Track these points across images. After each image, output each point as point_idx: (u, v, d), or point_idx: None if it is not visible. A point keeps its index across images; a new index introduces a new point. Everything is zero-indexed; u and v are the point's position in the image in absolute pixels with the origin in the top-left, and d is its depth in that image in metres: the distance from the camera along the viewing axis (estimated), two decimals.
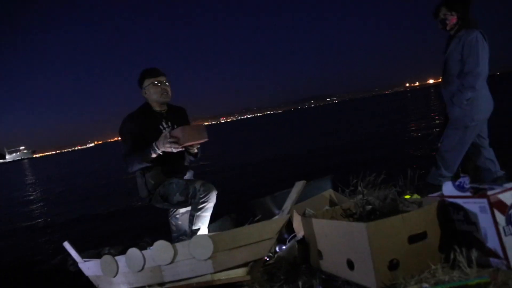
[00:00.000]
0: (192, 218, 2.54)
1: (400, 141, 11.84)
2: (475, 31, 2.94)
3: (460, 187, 1.77)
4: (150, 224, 6.33)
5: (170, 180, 2.67)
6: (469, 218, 1.73)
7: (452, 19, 3.02)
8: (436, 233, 1.79)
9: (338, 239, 1.88)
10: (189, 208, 2.62)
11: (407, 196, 2.36)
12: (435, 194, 1.96)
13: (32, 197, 15.77)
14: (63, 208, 10.89)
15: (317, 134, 21.38)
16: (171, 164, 2.71)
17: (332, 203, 2.67)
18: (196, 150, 2.76)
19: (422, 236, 1.76)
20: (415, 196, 2.46)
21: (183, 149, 2.59)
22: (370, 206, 2.02)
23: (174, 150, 2.51)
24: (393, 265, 1.71)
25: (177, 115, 2.87)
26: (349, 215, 2.11)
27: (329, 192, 2.78)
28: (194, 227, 2.52)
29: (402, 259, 1.71)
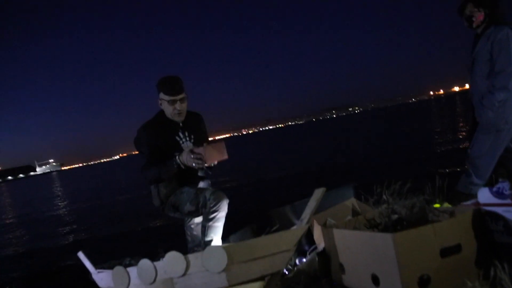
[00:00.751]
0: (204, 229, 2.44)
1: (426, 150, 11.52)
2: (505, 27, 2.74)
3: (499, 194, 1.59)
4: (169, 233, 6.28)
5: (181, 189, 2.58)
6: (510, 229, 1.54)
7: (479, 16, 2.83)
8: (471, 245, 1.61)
9: (362, 252, 1.73)
10: None
11: (437, 205, 2.18)
12: (469, 202, 1.79)
13: (60, 211, 16.11)
14: (89, 221, 11.03)
15: (339, 144, 21.09)
16: (184, 173, 2.60)
17: (355, 213, 2.52)
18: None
19: (456, 249, 1.59)
20: (446, 204, 2.27)
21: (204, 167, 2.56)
22: (396, 216, 1.85)
23: (196, 167, 2.46)
24: (423, 281, 1.54)
25: (193, 123, 2.76)
26: (373, 226, 1.96)
27: (352, 201, 2.63)
28: (207, 239, 2.42)
29: (433, 275, 1.54)
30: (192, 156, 2.39)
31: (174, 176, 2.59)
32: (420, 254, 1.53)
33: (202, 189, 2.55)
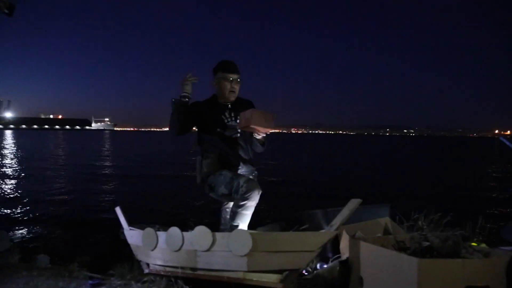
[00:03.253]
0: (232, 214, 2.49)
1: (478, 191, 10.89)
2: None
3: None
4: (203, 212, 6.44)
5: (221, 171, 2.64)
6: None
7: None
8: None
9: (385, 270, 1.71)
10: None
11: (474, 244, 2.10)
12: (509, 248, 1.71)
13: (105, 168, 16.92)
14: (129, 183, 11.49)
15: (386, 163, 20.47)
16: (227, 155, 2.69)
17: (387, 232, 2.48)
18: (260, 137, 2.67)
19: None
20: (483, 245, 2.18)
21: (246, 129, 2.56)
22: (427, 243, 1.81)
23: (241, 129, 2.55)
24: None
25: (242, 108, 2.82)
26: (401, 248, 1.92)
27: (386, 220, 2.58)
28: (233, 223, 2.46)
29: None
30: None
31: (218, 157, 2.68)
32: (443, 285, 1.49)
33: (239, 175, 2.59)
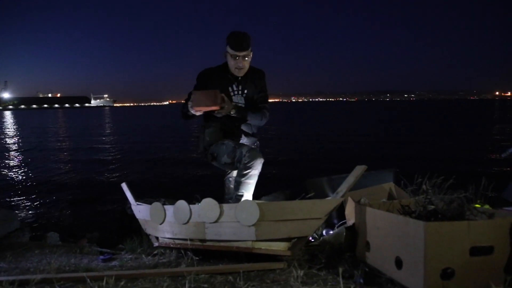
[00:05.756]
0: (236, 184, 2.52)
1: (479, 152, 10.93)
2: None
3: None
4: (207, 183, 6.50)
5: (223, 141, 2.65)
6: None
7: None
8: (504, 250, 1.57)
9: (390, 234, 1.74)
10: None
11: (477, 206, 2.13)
12: None
13: (107, 144, 16.95)
14: (131, 159, 11.54)
15: (387, 128, 20.44)
16: (229, 125, 2.70)
17: (391, 197, 2.50)
18: (220, 115, 2.59)
19: (487, 250, 1.56)
20: (486, 206, 2.20)
21: (201, 112, 2.55)
22: (432, 207, 1.83)
23: (194, 112, 2.50)
24: (446, 274, 1.54)
25: (252, 79, 2.79)
26: (407, 212, 1.95)
27: (390, 185, 2.60)
28: (238, 193, 2.50)
29: (458, 270, 1.53)
30: (189, 101, 2.46)
31: (220, 126, 2.68)
32: (449, 247, 1.52)
33: (241, 145, 2.60)
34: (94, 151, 13.48)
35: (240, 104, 2.71)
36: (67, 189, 7.33)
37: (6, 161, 11.40)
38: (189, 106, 2.48)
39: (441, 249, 1.51)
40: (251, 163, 2.45)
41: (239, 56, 2.60)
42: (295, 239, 2.00)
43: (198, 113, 2.52)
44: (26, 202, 6.43)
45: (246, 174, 2.48)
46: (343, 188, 2.02)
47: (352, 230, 2.11)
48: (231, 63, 2.64)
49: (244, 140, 2.77)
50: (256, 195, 2.68)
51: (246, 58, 2.64)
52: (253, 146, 2.74)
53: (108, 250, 2.81)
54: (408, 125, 22.58)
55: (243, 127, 2.76)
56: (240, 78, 2.73)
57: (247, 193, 2.53)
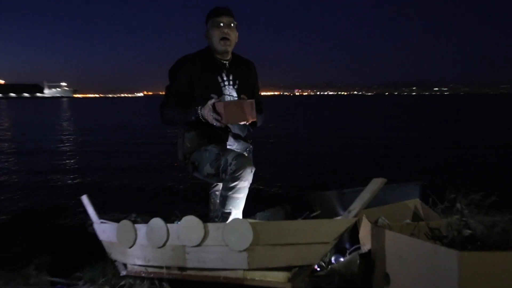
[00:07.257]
0: (222, 199, 2.51)
1: None
2: None
3: None
4: (190, 197, 6.49)
5: (206, 147, 2.65)
6: None
7: None
8: None
9: (417, 265, 1.74)
10: None
11: None
12: None
13: (63, 143, 16.91)
14: (94, 162, 11.49)
15: (412, 130, 20.55)
16: (214, 128, 2.65)
17: (416, 217, 2.51)
18: (221, 126, 2.64)
19: None
20: None
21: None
22: (469, 232, 1.84)
23: (218, 125, 2.53)
24: None
25: (242, 69, 2.82)
26: (436, 237, 1.95)
27: (415, 202, 2.62)
28: (225, 210, 2.49)
29: None
30: (211, 114, 2.46)
31: (203, 129, 2.67)
32: (490, 283, 1.52)
33: (227, 150, 2.59)
34: (44, 152, 13.38)
35: (232, 98, 2.71)
36: (7, 200, 7.22)
37: None
38: (212, 117, 2.47)
39: (480, 285, 1.51)
40: (239, 173, 2.41)
41: (223, 22, 2.65)
42: (297, 268, 2.00)
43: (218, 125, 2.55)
44: None
45: (233, 187, 2.45)
46: (356, 205, 2.02)
47: (368, 258, 2.12)
48: (215, 33, 2.67)
49: (234, 145, 2.75)
50: (249, 212, 2.68)
51: (232, 25, 2.69)
52: (244, 153, 2.72)
53: (62, 280, 2.78)
54: (439, 127, 22.70)
55: (237, 130, 2.76)
56: (228, 65, 2.75)
57: (236, 210, 2.51)
